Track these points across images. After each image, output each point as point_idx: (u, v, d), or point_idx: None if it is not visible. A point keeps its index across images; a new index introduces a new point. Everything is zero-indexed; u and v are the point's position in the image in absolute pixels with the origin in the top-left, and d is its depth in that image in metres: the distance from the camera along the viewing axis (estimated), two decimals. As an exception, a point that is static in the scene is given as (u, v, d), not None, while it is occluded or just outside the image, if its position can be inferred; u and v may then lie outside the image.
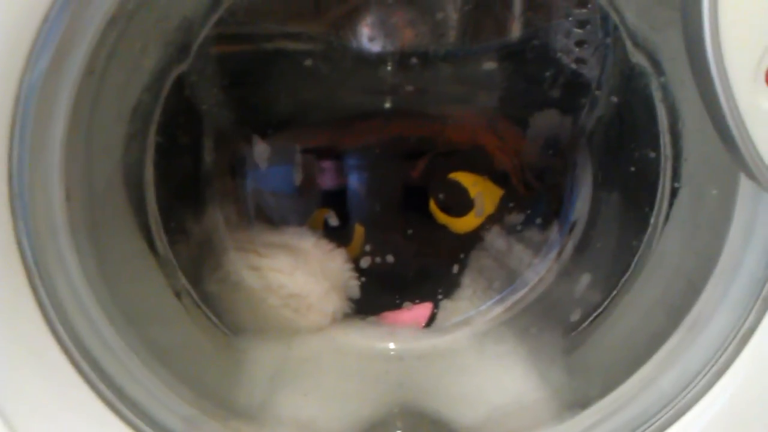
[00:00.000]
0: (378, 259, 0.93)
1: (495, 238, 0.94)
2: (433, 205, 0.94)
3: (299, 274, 0.86)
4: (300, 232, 0.90)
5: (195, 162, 0.87)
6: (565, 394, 0.74)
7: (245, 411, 0.71)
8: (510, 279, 0.93)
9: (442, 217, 0.94)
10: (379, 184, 0.94)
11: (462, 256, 0.94)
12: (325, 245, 0.90)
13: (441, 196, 0.94)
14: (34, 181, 0.57)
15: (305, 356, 0.85)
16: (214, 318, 0.81)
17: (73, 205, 0.60)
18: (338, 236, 0.92)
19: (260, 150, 0.91)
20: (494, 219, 0.93)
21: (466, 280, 0.93)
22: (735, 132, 0.51)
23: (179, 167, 0.84)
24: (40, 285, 0.58)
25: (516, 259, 0.93)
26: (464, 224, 0.95)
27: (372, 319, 0.92)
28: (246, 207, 0.92)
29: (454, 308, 0.93)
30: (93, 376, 0.60)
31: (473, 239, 0.94)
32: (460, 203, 0.94)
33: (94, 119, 0.62)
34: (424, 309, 0.94)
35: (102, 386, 0.60)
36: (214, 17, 0.78)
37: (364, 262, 0.93)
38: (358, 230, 0.94)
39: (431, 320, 0.93)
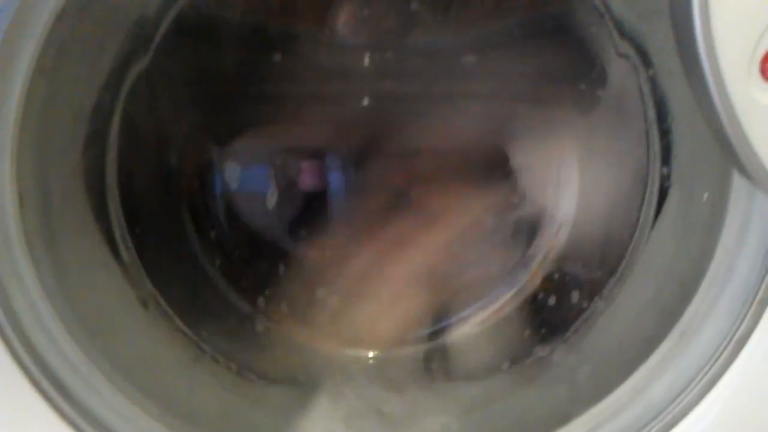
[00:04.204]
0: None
1: (476, 243, 0.91)
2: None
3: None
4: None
5: (161, 164, 0.85)
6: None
7: (214, 426, 0.68)
8: (489, 287, 0.90)
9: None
10: (358, 186, 0.91)
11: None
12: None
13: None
14: (-17, 188, 0.54)
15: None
16: (183, 327, 0.78)
17: (27, 212, 0.58)
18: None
19: (230, 169, 0.88)
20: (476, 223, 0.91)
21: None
22: (727, 126, 0.49)
23: (144, 169, 0.82)
24: (-7, 298, 0.55)
25: (497, 264, 0.90)
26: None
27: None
28: (216, 210, 0.90)
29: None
30: (53, 393, 0.58)
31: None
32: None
33: (47, 120, 0.60)
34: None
35: (63, 403, 0.58)
36: (175, 10, 0.75)
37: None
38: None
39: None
